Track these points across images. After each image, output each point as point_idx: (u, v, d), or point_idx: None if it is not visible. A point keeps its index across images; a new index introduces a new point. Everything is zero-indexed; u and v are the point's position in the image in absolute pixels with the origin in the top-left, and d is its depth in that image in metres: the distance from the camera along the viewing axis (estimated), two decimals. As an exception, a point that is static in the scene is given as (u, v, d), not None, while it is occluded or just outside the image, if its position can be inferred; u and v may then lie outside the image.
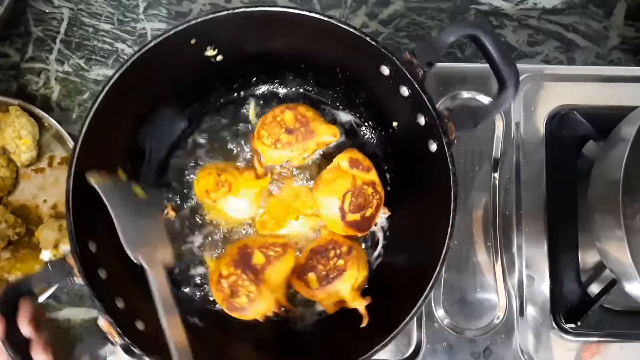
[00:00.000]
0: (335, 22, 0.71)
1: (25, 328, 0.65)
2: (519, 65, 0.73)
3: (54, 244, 0.91)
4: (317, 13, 0.71)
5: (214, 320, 0.83)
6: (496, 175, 0.91)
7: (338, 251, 0.80)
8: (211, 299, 0.84)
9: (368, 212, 0.81)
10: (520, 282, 0.88)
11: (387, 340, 0.68)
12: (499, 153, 0.92)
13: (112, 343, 0.68)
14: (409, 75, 0.70)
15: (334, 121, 0.90)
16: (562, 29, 1.02)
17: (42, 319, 0.68)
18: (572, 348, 0.87)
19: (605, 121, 0.85)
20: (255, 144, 0.85)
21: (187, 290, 0.85)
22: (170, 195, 0.88)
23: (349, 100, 0.89)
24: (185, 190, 0.88)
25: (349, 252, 0.80)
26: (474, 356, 0.87)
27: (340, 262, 0.79)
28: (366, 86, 0.83)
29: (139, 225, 0.70)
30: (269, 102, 0.91)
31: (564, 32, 1.02)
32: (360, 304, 0.78)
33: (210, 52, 0.80)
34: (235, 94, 0.91)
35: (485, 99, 0.92)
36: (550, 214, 0.89)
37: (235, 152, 0.89)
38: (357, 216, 0.81)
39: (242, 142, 0.89)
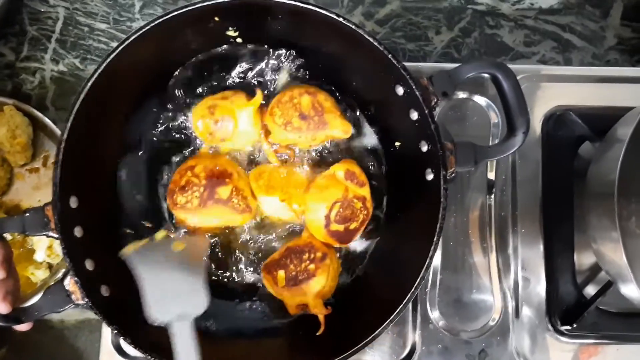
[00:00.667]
0: (362, 33, 0.71)
1: None
2: (515, 66, 0.73)
3: (48, 244, 0.91)
4: (344, 18, 0.71)
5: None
6: (492, 176, 0.91)
7: (312, 255, 0.80)
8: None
9: (352, 225, 0.81)
10: (516, 284, 0.88)
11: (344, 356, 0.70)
12: (495, 154, 0.92)
13: (74, 304, 0.68)
14: (421, 101, 0.70)
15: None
16: (559, 29, 1.02)
17: (13, 266, 0.68)
18: (568, 350, 0.87)
19: (601, 122, 0.85)
20: (265, 119, 0.84)
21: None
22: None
23: (358, 111, 0.89)
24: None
25: (323, 258, 0.80)
26: (470, 358, 0.86)
27: (312, 266, 0.79)
28: (378, 100, 0.84)
29: (170, 288, 0.68)
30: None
31: (560, 33, 1.02)
32: (320, 312, 0.78)
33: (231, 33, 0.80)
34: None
35: (481, 100, 0.92)
36: (546, 215, 0.89)
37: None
38: (340, 227, 0.81)
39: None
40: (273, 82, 0.87)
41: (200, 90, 0.86)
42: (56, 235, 0.68)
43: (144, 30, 0.71)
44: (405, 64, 0.71)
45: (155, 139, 0.86)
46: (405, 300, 0.69)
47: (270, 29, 0.79)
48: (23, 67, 1.00)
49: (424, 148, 0.74)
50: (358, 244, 0.87)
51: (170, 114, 0.87)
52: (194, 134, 0.86)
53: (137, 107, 0.83)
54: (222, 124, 0.82)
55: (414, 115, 0.74)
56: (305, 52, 0.84)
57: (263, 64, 0.86)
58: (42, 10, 1.01)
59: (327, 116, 0.82)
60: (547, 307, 0.87)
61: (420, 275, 0.69)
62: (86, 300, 0.67)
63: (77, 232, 0.71)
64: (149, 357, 0.68)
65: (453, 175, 0.71)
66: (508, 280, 0.88)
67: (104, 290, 0.71)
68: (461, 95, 0.93)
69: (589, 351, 0.87)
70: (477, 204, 0.91)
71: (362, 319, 0.77)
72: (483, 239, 0.90)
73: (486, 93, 0.92)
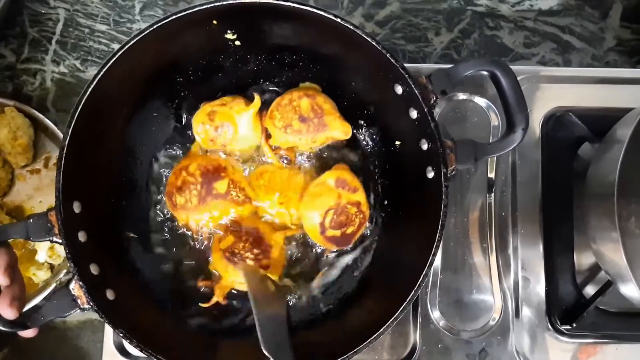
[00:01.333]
0: (361, 33, 0.71)
1: (0, 277, 0.65)
2: (515, 67, 0.73)
3: (49, 245, 0.91)
4: (342, 19, 0.71)
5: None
6: (492, 176, 0.92)
7: (263, 247, 0.81)
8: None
9: (349, 230, 0.82)
10: (516, 284, 0.88)
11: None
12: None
13: (80, 308, 0.68)
14: (420, 99, 0.71)
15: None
16: (558, 31, 1.02)
17: (18, 271, 0.68)
18: (568, 349, 0.87)
19: (600, 123, 0.85)
20: (265, 122, 0.85)
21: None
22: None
23: (358, 111, 0.89)
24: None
25: (268, 253, 0.80)
26: (470, 357, 0.87)
27: (251, 255, 0.80)
28: (377, 100, 0.84)
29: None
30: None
31: (560, 34, 1.02)
32: (214, 299, 0.81)
33: (230, 36, 0.80)
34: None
35: (481, 101, 0.92)
36: (546, 215, 0.89)
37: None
38: (337, 232, 0.81)
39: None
40: (272, 85, 0.88)
41: (200, 93, 0.87)
42: (60, 241, 0.67)
43: (143, 34, 0.71)
44: (405, 65, 0.71)
45: (156, 141, 0.87)
46: (407, 300, 0.69)
47: (270, 32, 0.79)
48: (24, 69, 1.00)
49: (424, 146, 0.74)
50: (358, 245, 0.87)
51: (170, 116, 0.87)
52: (194, 136, 0.86)
53: (138, 111, 0.83)
54: (222, 130, 0.83)
55: (414, 114, 0.74)
56: (304, 54, 0.84)
57: (262, 67, 0.86)
58: (43, 11, 1.01)
59: (327, 118, 0.83)
60: (546, 307, 0.87)
61: (424, 273, 0.69)
62: (92, 304, 0.67)
63: (81, 236, 0.71)
64: (156, 358, 0.68)
65: (454, 172, 0.71)
66: (508, 280, 0.89)
67: (110, 294, 0.71)
68: (461, 96, 0.93)
69: (588, 351, 0.88)
70: (477, 204, 0.91)
71: (364, 319, 0.77)
72: (483, 239, 0.90)
73: (486, 94, 0.92)
